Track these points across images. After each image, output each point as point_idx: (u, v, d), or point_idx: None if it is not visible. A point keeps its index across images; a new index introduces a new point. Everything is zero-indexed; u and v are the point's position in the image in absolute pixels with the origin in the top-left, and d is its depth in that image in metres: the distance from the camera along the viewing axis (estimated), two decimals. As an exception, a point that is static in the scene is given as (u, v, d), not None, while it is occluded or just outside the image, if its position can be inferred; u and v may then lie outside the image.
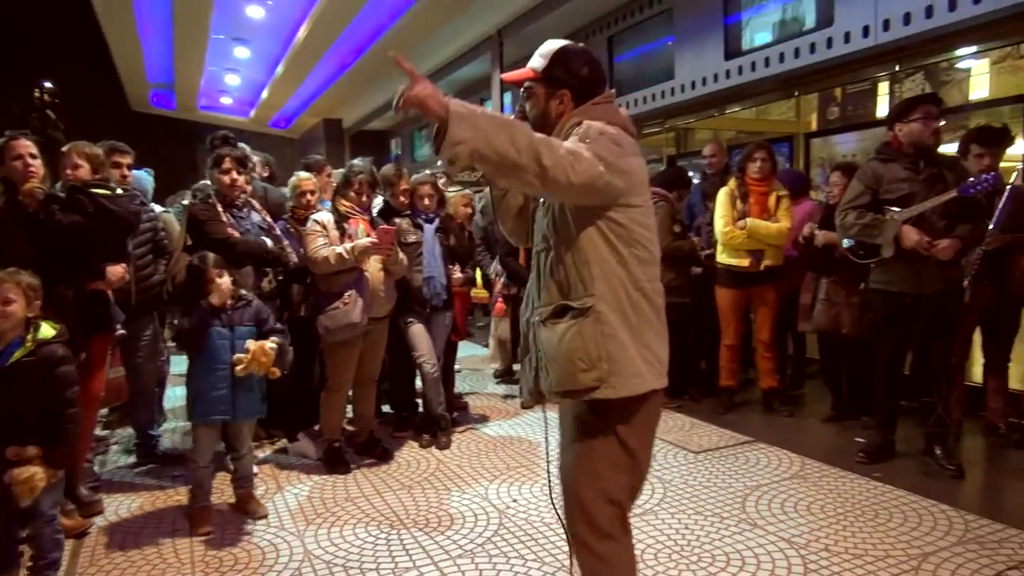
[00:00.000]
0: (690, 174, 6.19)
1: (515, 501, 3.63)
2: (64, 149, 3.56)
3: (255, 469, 3.94)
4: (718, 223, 4.89)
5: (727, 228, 4.80)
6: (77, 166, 3.45)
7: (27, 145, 3.30)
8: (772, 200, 4.80)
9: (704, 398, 5.32)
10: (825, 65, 5.69)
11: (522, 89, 2.10)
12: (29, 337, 2.65)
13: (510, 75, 2.12)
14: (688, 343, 5.40)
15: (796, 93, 6.55)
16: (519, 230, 2.24)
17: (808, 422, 4.84)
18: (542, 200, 2.05)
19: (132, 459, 4.42)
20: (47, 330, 2.71)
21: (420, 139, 15.13)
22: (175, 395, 5.26)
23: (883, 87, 6.22)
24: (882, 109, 6.20)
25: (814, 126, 6.97)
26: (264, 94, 14.99)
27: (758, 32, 6.32)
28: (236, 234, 3.89)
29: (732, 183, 4.93)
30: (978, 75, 5.59)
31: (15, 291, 2.63)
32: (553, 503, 2.15)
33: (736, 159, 5.43)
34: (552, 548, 3.10)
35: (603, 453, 1.96)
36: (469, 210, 5.39)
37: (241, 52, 12.14)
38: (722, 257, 4.93)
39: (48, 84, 31.19)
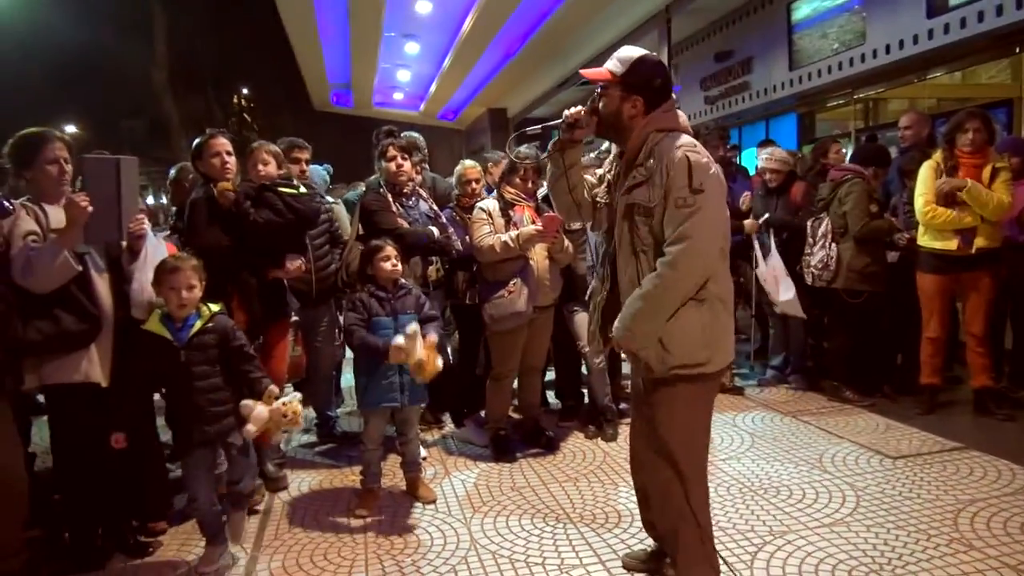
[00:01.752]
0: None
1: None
2: (253, 146, 3.80)
3: (424, 453, 4.01)
4: (918, 201, 4.31)
5: (928, 208, 4.23)
6: (267, 162, 3.69)
7: (224, 143, 3.55)
8: (986, 173, 4.16)
9: (901, 397, 4.76)
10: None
11: (598, 87, 2.28)
12: (204, 310, 2.90)
13: (588, 72, 2.33)
14: (882, 335, 4.87)
15: (1017, 50, 5.69)
16: (569, 208, 2.57)
17: (1033, 429, 4.18)
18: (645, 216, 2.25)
19: (313, 438, 4.68)
20: (213, 306, 2.95)
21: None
22: (351, 378, 5.50)
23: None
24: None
25: (1035, 88, 6.05)
26: (432, 87, 15.54)
27: (967, -17, 5.56)
28: (405, 224, 3.97)
29: (938, 155, 4.33)
30: None
31: (195, 276, 2.86)
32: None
33: (940, 130, 4.77)
34: (735, 548, 2.90)
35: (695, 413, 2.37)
36: None
37: (411, 47, 12.63)
38: (924, 239, 4.36)
39: (245, 91, 34.55)
